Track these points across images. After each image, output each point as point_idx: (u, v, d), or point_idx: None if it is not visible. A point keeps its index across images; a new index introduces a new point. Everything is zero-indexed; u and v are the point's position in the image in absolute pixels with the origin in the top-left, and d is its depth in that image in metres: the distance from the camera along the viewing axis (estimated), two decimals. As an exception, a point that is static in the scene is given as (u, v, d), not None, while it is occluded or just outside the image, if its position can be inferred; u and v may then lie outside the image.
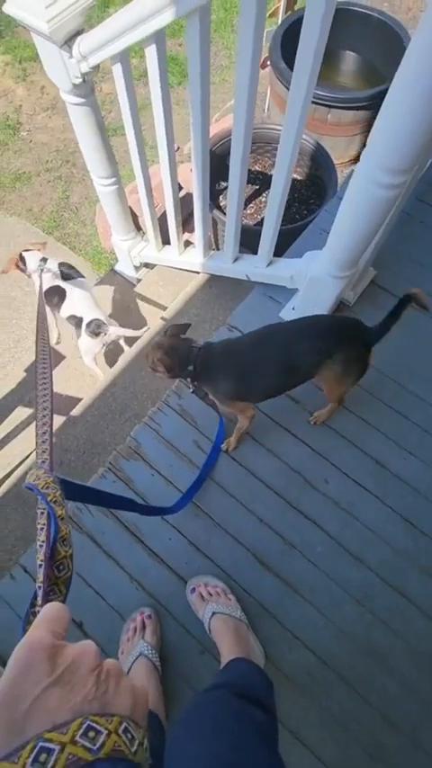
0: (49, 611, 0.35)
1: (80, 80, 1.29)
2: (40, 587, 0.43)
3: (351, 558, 1.25)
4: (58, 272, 1.92)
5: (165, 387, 1.71)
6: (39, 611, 0.40)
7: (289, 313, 1.49)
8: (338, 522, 1.29)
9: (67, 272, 1.97)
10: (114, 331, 1.82)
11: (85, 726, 0.26)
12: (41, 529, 0.48)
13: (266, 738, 0.70)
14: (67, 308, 1.89)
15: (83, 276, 2.05)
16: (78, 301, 1.88)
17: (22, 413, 1.96)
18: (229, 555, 1.26)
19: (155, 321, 2.02)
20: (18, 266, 1.93)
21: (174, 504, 1.23)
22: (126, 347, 1.96)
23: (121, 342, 1.98)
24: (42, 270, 1.85)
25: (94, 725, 0.27)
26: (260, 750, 0.65)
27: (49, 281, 1.88)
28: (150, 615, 1.17)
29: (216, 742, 0.64)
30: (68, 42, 1.21)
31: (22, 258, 1.91)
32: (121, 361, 1.80)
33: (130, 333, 1.85)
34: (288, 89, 2.18)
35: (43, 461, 0.59)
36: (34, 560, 1.25)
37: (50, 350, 0.89)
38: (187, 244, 1.89)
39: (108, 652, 1.15)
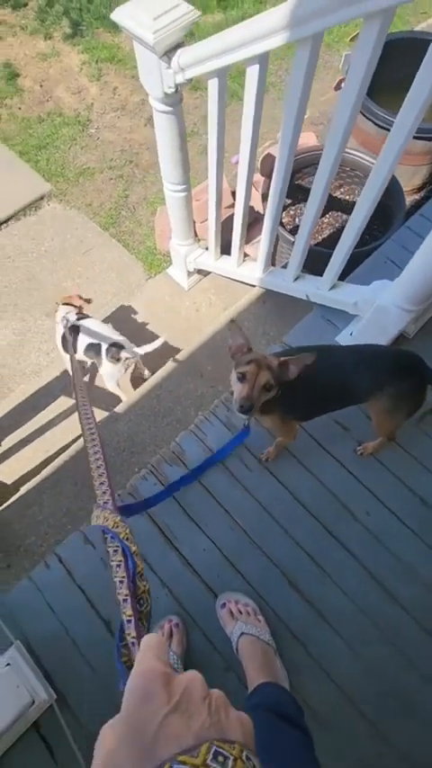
0: (152, 641, 0.36)
1: (173, 90, 1.33)
2: (129, 621, 0.44)
3: (385, 595, 1.22)
4: (74, 318, 1.92)
5: (211, 395, 1.72)
6: (131, 643, 0.43)
7: (346, 338, 1.48)
8: (375, 555, 1.27)
9: (80, 315, 1.96)
10: (135, 352, 1.79)
11: (212, 750, 0.27)
12: (118, 566, 0.50)
13: (310, 754, 0.70)
14: (83, 340, 1.85)
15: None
16: (93, 329, 1.85)
17: (64, 402, 2.00)
18: (261, 573, 1.25)
19: (203, 327, 2.03)
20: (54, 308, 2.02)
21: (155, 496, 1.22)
22: (147, 372, 1.94)
23: (144, 371, 1.94)
24: (65, 322, 1.89)
25: (220, 750, 0.27)
26: (309, 765, 0.65)
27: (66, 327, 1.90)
28: (178, 624, 1.17)
29: (266, 760, 0.64)
30: (168, 53, 1.24)
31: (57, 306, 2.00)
32: (169, 365, 1.82)
33: (147, 349, 1.82)
34: (365, 116, 2.19)
35: (105, 502, 0.61)
36: (70, 551, 1.27)
37: (88, 389, 0.93)
38: (245, 256, 1.90)
39: (133, 654, 1.16)
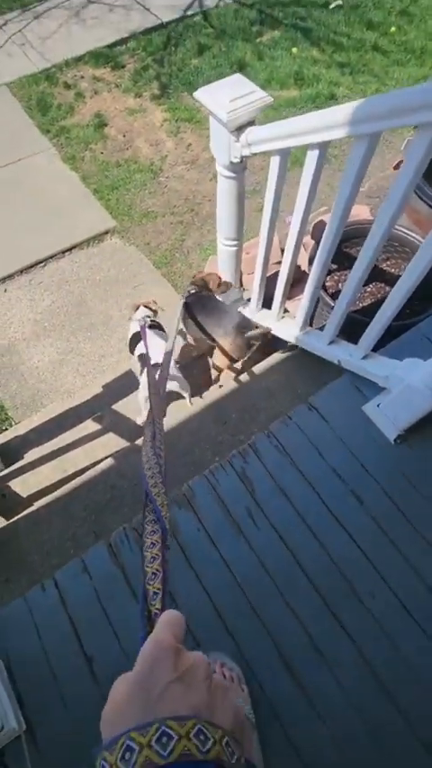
0: (171, 617, 0.40)
1: (238, 160, 1.45)
2: (156, 593, 0.48)
3: (381, 691, 1.14)
4: (148, 321, 1.99)
5: (230, 444, 1.73)
6: (154, 614, 0.45)
7: (373, 409, 1.48)
8: (376, 645, 1.19)
9: (154, 323, 2.04)
10: (170, 383, 1.80)
11: (197, 728, 0.30)
12: (153, 544, 0.53)
13: None
14: (139, 348, 1.92)
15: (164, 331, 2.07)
16: (152, 344, 1.87)
17: (90, 426, 2.07)
18: (252, 640, 1.20)
19: (234, 374, 2.08)
20: (133, 310, 2.12)
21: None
22: (188, 401, 1.99)
23: (185, 395, 1.96)
24: (142, 322, 1.96)
25: (204, 730, 0.31)
26: None
27: (135, 328, 1.99)
28: None
29: None
30: (239, 130, 1.37)
31: (137, 307, 2.10)
32: (195, 406, 1.86)
33: (182, 392, 1.86)
34: (421, 198, 2.27)
35: (161, 481, 0.63)
36: (67, 578, 1.27)
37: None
38: (285, 312, 1.96)
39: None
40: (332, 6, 4.81)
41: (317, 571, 1.28)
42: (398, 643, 1.19)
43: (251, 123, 1.39)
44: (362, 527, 1.34)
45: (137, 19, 4.71)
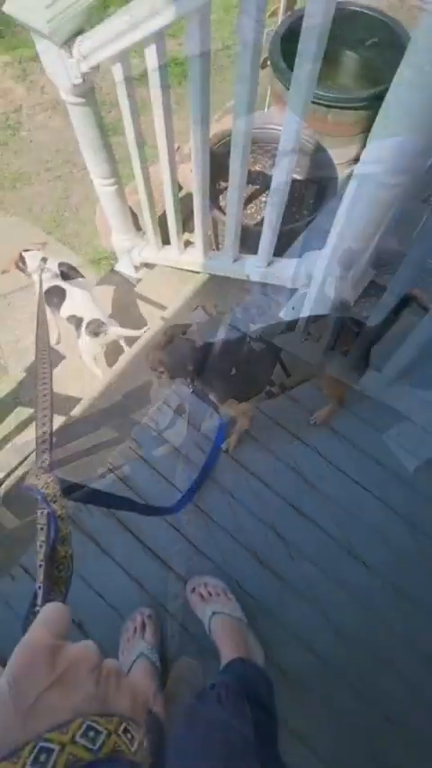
0: (49, 612, 0.34)
1: (80, 80, 1.29)
2: (39, 587, 0.43)
3: (352, 560, 1.25)
4: (58, 271, 1.93)
5: (165, 387, 1.71)
6: (39, 611, 0.40)
7: (289, 312, 1.49)
8: (337, 522, 1.29)
9: (67, 272, 1.98)
10: (114, 331, 1.81)
11: (84, 726, 0.27)
12: (41, 529, 0.48)
13: (264, 739, 0.71)
14: (67, 308, 1.88)
15: (83, 276, 2.05)
16: (78, 301, 1.87)
17: (21, 412, 1.96)
18: (228, 554, 1.26)
19: (155, 321, 2.02)
20: (18, 266, 1.94)
21: (173, 505, 1.23)
22: (126, 347, 1.96)
23: (121, 342, 1.98)
24: (42, 270, 1.85)
25: (94, 725, 0.27)
26: (252, 757, 0.65)
27: (49, 280, 1.88)
28: (150, 615, 1.18)
29: (207, 758, 0.64)
30: (68, 42, 1.21)
31: (22, 258, 1.92)
32: (122, 362, 1.80)
33: (129, 333, 1.84)
34: (288, 89, 2.19)
35: (43, 461, 0.59)
36: (34, 561, 1.25)
37: (49, 350, 0.89)
38: (188, 243, 1.89)
39: (107, 651, 1.15)
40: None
41: (271, 475, 1.34)
42: (356, 514, 1.29)
43: (81, 32, 1.22)
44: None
45: None
